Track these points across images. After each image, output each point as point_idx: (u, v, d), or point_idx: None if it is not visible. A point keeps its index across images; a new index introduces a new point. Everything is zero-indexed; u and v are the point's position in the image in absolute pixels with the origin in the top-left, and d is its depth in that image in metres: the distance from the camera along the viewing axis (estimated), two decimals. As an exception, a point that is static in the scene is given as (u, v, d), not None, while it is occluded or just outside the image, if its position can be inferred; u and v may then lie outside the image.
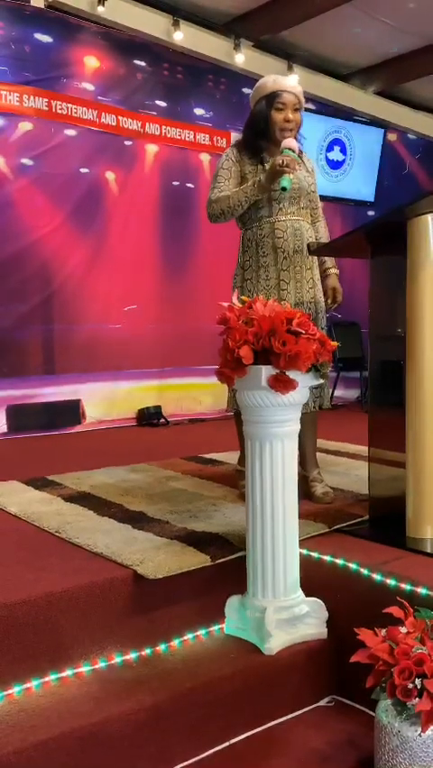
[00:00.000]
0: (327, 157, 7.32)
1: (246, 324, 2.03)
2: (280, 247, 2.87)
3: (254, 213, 2.90)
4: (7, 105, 5.21)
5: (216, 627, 2.21)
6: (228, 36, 6.28)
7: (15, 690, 1.84)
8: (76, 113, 5.56)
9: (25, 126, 5.37)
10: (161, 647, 2.09)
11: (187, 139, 6.25)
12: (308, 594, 2.19)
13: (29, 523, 2.63)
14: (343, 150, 7.42)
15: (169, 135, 6.14)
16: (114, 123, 5.80)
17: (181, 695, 1.87)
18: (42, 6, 5.39)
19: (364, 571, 2.17)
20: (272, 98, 2.86)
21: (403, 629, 1.78)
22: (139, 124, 5.96)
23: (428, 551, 2.33)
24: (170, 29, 5.89)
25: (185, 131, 6.23)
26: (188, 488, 3.15)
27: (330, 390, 4.02)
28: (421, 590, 2.02)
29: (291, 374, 2.00)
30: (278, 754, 1.90)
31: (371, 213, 7.59)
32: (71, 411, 5.55)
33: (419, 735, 1.66)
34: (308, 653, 2.11)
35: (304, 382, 2.06)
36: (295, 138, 2.86)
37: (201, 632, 2.18)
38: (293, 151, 2.72)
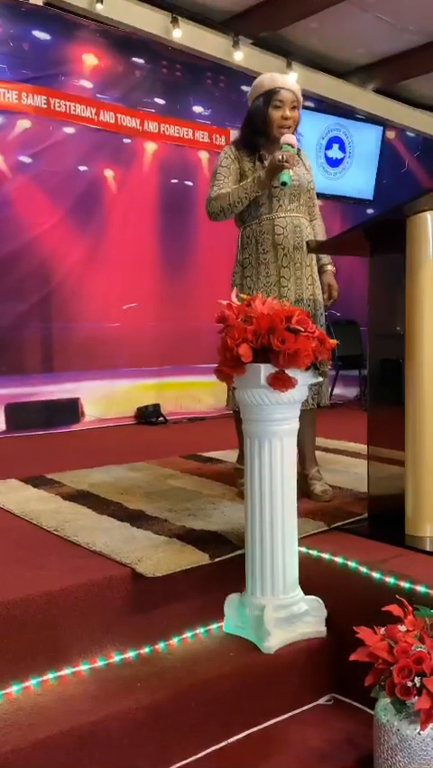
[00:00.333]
0: (325, 155, 7.31)
1: (245, 322, 2.02)
2: (280, 244, 2.87)
3: (254, 210, 2.90)
4: (6, 103, 5.20)
5: (214, 626, 2.21)
6: (227, 34, 6.27)
7: (14, 688, 1.84)
8: (74, 110, 5.55)
9: (24, 124, 5.36)
10: (160, 646, 2.09)
11: (185, 136, 6.25)
12: (306, 592, 2.19)
13: (27, 521, 2.63)
14: (342, 148, 7.41)
15: (167, 133, 6.13)
16: (112, 121, 5.80)
17: (180, 693, 1.87)
18: (41, 4, 5.38)
19: (363, 570, 2.17)
20: (270, 96, 2.85)
21: (402, 627, 1.77)
22: (138, 122, 5.95)
23: (427, 549, 2.33)
24: (169, 26, 5.88)
25: (184, 128, 6.23)
26: (187, 486, 3.15)
27: (329, 388, 4.01)
28: (420, 588, 2.02)
29: (290, 372, 2.00)
30: (277, 753, 1.90)
31: (370, 211, 7.58)
32: (70, 409, 5.55)
33: (418, 733, 1.66)
34: (308, 652, 2.11)
35: (303, 380, 2.06)
36: (293, 135, 2.86)
37: (200, 630, 2.18)
38: (292, 147, 2.71)
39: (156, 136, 6.08)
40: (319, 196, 3.09)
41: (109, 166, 5.88)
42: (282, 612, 2.10)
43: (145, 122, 6.00)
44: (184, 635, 2.14)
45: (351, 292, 5.60)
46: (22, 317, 5.43)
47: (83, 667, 1.96)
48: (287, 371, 1.99)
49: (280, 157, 2.66)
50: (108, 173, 5.89)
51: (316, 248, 2.89)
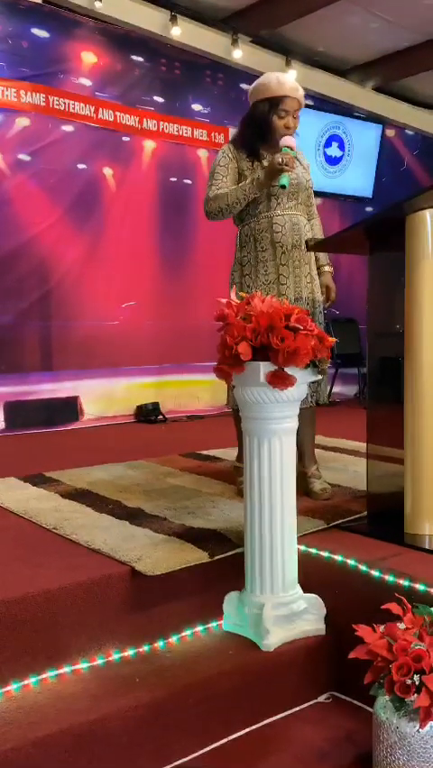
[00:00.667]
0: (325, 153, 7.30)
1: (244, 321, 2.02)
2: (279, 242, 2.86)
3: (252, 208, 2.90)
4: (4, 101, 5.19)
5: (214, 624, 2.21)
6: (226, 31, 6.25)
7: (13, 687, 1.84)
8: (73, 108, 5.54)
9: (23, 122, 5.35)
10: (159, 644, 2.09)
11: (184, 135, 6.24)
12: (306, 590, 2.19)
13: (27, 519, 2.63)
14: (341, 146, 7.41)
15: (166, 131, 6.12)
16: (111, 119, 5.79)
17: (179, 692, 1.87)
18: (40, 1, 5.37)
19: (363, 568, 2.17)
20: (276, 103, 2.83)
21: (401, 625, 1.78)
22: (136, 120, 5.95)
23: (427, 547, 2.33)
24: (168, 24, 5.86)
25: (183, 126, 6.22)
26: (186, 484, 3.15)
27: (328, 387, 4.03)
28: (419, 587, 2.02)
29: (290, 370, 2.00)
30: (276, 751, 1.90)
31: (369, 209, 7.58)
32: (69, 408, 5.55)
33: (418, 731, 1.66)
34: (307, 650, 2.11)
35: (302, 378, 2.06)
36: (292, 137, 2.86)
37: (199, 628, 2.18)
38: (292, 150, 2.72)
39: (155, 134, 6.07)
40: (318, 194, 3.10)
41: (108, 164, 5.87)
42: (282, 610, 2.10)
43: (144, 120, 5.99)
44: (183, 634, 2.14)
45: (350, 290, 5.61)
46: (21, 316, 5.43)
47: (82, 665, 1.96)
48: (286, 370, 1.99)
49: (280, 160, 2.66)
50: (107, 171, 5.88)
51: (314, 246, 2.89)
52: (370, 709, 1.80)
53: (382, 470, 2.60)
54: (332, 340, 2.11)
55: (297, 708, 2.08)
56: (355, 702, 2.09)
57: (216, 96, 6.52)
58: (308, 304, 2.90)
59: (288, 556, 2.13)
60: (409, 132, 8.15)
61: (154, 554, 2.18)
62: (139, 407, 5.82)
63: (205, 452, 3.92)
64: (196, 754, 1.86)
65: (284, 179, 2.67)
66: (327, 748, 1.89)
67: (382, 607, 1.85)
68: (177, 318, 6.03)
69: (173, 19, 5.86)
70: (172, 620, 2.15)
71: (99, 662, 1.99)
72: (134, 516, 2.60)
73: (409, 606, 1.83)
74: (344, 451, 3.87)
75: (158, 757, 1.81)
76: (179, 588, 2.18)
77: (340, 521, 2.59)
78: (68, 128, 5.60)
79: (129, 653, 2.03)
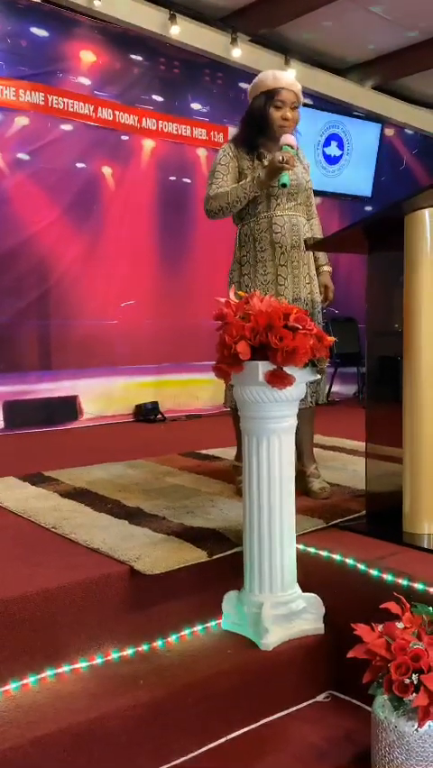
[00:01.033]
0: (324, 152, 7.30)
1: (243, 320, 2.02)
2: (278, 242, 2.86)
3: (252, 208, 2.90)
4: (3, 100, 5.19)
5: (213, 623, 2.21)
6: (225, 30, 6.25)
7: (12, 686, 1.84)
8: (72, 107, 5.54)
9: (22, 121, 5.35)
10: (158, 643, 2.09)
11: (184, 134, 6.24)
12: (304, 590, 2.19)
13: (25, 519, 2.63)
14: (340, 146, 7.40)
15: (165, 130, 6.12)
16: (110, 118, 5.79)
17: (178, 691, 1.87)
18: (38, 0, 5.36)
19: (361, 567, 2.17)
20: (272, 95, 2.85)
21: (400, 625, 1.78)
22: (135, 119, 5.94)
23: (425, 546, 2.33)
24: (167, 23, 5.86)
25: (182, 125, 6.21)
26: (185, 483, 3.15)
27: (327, 386, 4.03)
28: (418, 586, 2.02)
29: (288, 370, 2.00)
30: (275, 750, 1.90)
31: (368, 208, 7.58)
32: (68, 407, 5.55)
33: (416, 730, 1.66)
34: (306, 649, 2.11)
35: (301, 378, 2.06)
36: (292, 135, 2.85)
37: (198, 628, 2.18)
38: (292, 148, 2.72)
39: (154, 133, 6.07)
40: (318, 193, 3.10)
41: (107, 163, 5.87)
42: (280, 609, 2.11)
43: (143, 119, 5.99)
44: (182, 633, 2.14)
45: (349, 289, 5.61)
46: (20, 315, 5.42)
47: (81, 665, 1.96)
48: (285, 369, 1.99)
49: (281, 158, 2.66)
50: (106, 170, 5.88)
51: (313, 246, 2.89)
52: (369, 708, 1.80)
53: (380, 469, 2.60)
54: (331, 339, 2.11)
55: (296, 708, 2.08)
56: (354, 701, 2.09)
57: (215, 95, 6.52)
58: (306, 304, 2.90)
59: (287, 555, 2.13)
60: (409, 132, 8.15)
61: (153, 554, 2.18)
62: (138, 407, 5.82)
63: (204, 452, 3.92)
64: (195, 754, 1.86)
65: (284, 178, 2.67)
66: (326, 747, 1.89)
67: (381, 606, 1.85)
68: (176, 317, 6.03)
69: (172, 18, 5.86)
70: (171, 619, 2.15)
71: (98, 661, 1.99)
72: (133, 516, 2.60)
73: (408, 605, 1.84)
74: (343, 450, 3.87)
75: (157, 756, 1.81)
76: (178, 587, 2.18)
77: (339, 520, 2.59)
78: (67, 127, 5.59)
79: (128, 652, 2.03)
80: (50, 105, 5.41)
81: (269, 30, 6.37)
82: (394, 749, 1.68)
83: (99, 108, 5.71)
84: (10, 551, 2.29)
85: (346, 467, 3.43)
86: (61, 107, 5.48)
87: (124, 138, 5.95)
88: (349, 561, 2.22)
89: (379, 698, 1.74)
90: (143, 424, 5.67)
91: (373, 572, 2.13)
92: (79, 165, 5.71)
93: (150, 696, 1.82)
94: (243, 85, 6.27)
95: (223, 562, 2.26)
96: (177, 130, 6.19)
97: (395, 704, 1.68)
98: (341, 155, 7.44)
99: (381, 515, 2.57)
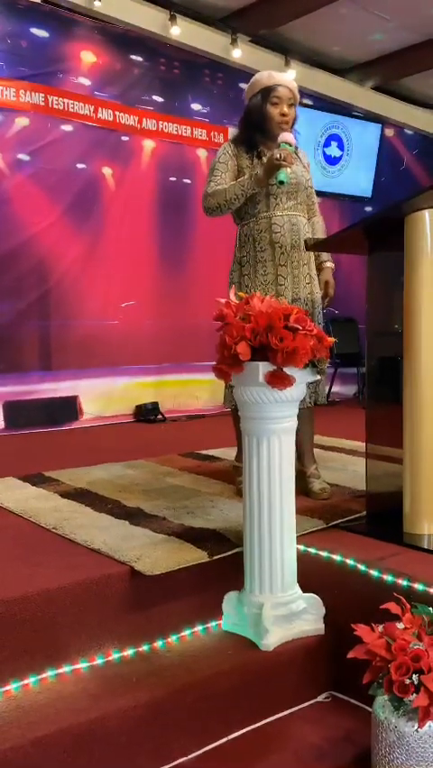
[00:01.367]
0: (324, 152, 7.30)
1: (243, 321, 2.02)
2: (278, 242, 2.86)
3: (252, 208, 2.90)
4: (4, 101, 5.19)
5: (213, 624, 2.21)
6: (225, 31, 6.26)
7: (13, 686, 1.84)
8: (72, 108, 5.54)
9: (22, 122, 5.35)
10: (159, 644, 2.09)
11: (184, 134, 6.24)
12: (305, 590, 2.19)
13: (26, 519, 2.63)
14: (340, 146, 7.41)
15: (166, 130, 6.13)
16: (110, 119, 5.79)
17: (179, 691, 1.87)
18: (39, 1, 5.37)
19: (362, 567, 2.17)
20: (268, 93, 2.86)
21: (400, 625, 1.78)
22: (136, 120, 5.95)
23: (426, 547, 2.33)
24: (167, 23, 5.86)
25: (182, 126, 6.22)
26: (185, 484, 3.15)
27: (327, 386, 4.03)
28: (418, 586, 2.02)
29: (288, 370, 2.00)
30: (275, 750, 1.90)
31: (368, 208, 7.58)
32: (68, 407, 5.55)
33: (416, 730, 1.66)
34: (306, 649, 2.11)
35: (301, 378, 2.06)
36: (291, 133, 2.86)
37: (198, 628, 2.18)
38: (290, 145, 2.71)
39: (154, 134, 6.08)
40: (318, 193, 3.09)
41: (107, 163, 5.87)
42: (281, 610, 2.11)
43: (143, 119, 5.99)
44: (183, 633, 2.15)
45: (349, 290, 5.60)
46: (20, 315, 5.43)
47: (82, 665, 1.96)
48: (285, 369, 1.99)
49: (279, 155, 2.66)
50: (106, 171, 5.89)
51: (313, 246, 2.89)
52: (369, 709, 1.80)
53: (381, 469, 2.60)
54: (331, 340, 2.11)
55: (296, 708, 2.08)
56: (354, 702, 2.09)
57: (215, 95, 6.52)
58: (306, 304, 2.90)
59: (287, 556, 2.13)
60: (409, 132, 8.15)
61: (153, 554, 2.18)
62: (138, 407, 5.82)
63: (204, 452, 3.93)
64: (195, 754, 1.87)
65: (282, 175, 2.67)
66: (326, 747, 1.90)
67: (381, 606, 1.85)
68: (176, 318, 6.03)
69: (172, 18, 5.86)
70: (172, 620, 2.15)
71: (99, 661, 1.99)
72: (134, 516, 2.60)
73: (408, 605, 1.84)
74: (343, 450, 3.87)
75: (157, 757, 1.81)
76: (179, 587, 2.18)
77: (339, 521, 2.59)
78: (67, 128, 5.60)
79: (128, 652, 2.03)
80: (50, 105, 5.41)
81: (269, 30, 6.38)
82: (394, 749, 1.69)
83: (99, 109, 5.72)
84: (10, 551, 2.29)
85: (346, 467, 3.43)
86: (61, 108, 5.48)
87: (125, 138, 5.96)
88: (349, 561, 2.22)
89: (379, 698, 1.74)
90: (144, 424, 5.67)
91: (374, 573, 2.13)
92: (80, 165, 5.72)
93: (150, 696, 1.82)
94: (243, 85, 6.18)
95: (223, 563, 2.26)
96: (177, 130, 6.19)
97: (395, 704, 1.69)
98: (341, 155, 7.44)
99: (381, 515, 2.57)
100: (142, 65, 6.06)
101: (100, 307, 5.80)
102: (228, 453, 3.58)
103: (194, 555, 2.22)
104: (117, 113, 5.83)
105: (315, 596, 2.18)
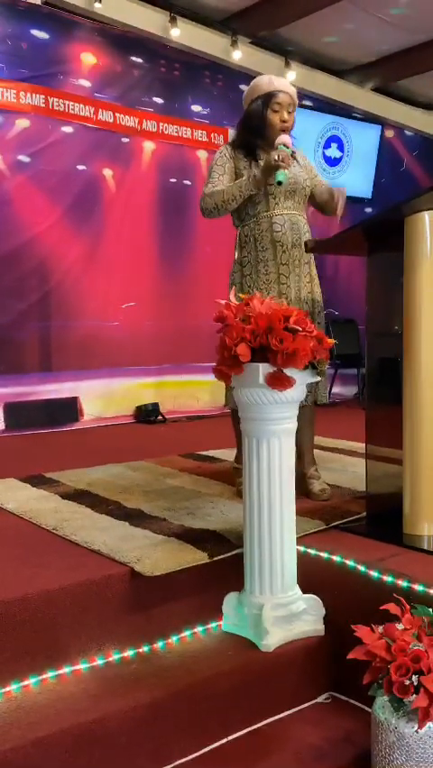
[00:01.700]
0: (324, 154, 7.31)
1: (244, 322, 2.03)
2: (279, 241, 2.87)
3: (251, 208, 2.91)
4: (4, 102, 5.20)
5: (213, 624, 2.22)
6: (226, 33, 6.26)
7: (13, 687, 1.84)
8: (73, 109, 5.55)
9: (22, 123, 5.36)
10: (159, 644, 2.09)
11: (184, 135, 6.25)
12: (305, 591, 2.19)
13: (26, 520, 2.63)
14: (340, 147, 7.41)
15: (166, 132, 6.13)
16: (111, 120, 5.79)
17: (179, 692, 1.87)
18: (39, 2, 5.38)
19: (361, 568, 2.17)
20: (269, 99, 2.87)
21: (400, 626, 1.78)
22: (136, 121, 5.95)
23: (425, 547, 2.33)
24: (168, 25, 5.87)
25: (182, 127, 6.22)
26: (185, 485, 3.15)
27: (328, 386, 4.02)
28: (418, 587, 2.02)
29: (289, 371, 2.00)
30: (275, 751, 1.90)
31: (368, 210, 7.58)
32: (69, 408, 5.55)
33: (416, 731, 1.66)
34: (306, 650, 2.12)
35: (301, 380, 2.06)
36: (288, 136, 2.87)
37: (199, 629, 2.18)
38: (287, 148, 2.73)
39: (154, 135, 6.08)
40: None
41: (108, 165, 5.88)
42: (281, 611, 2.11)
43: (144, 121, 6.00)
44: (183, 634, 2.15)
45: (349, 291, 5.62)
46: (20, 316, 5.43)
47: (82, 666, 1.96)
48: (285, 371, 2.00)
49: (276, 157, 2.68)
50: (107, 172, 5.89)
51: (314, 247, 2.89)
52: (369, 710, 1.81)
53: (381, 470, 2.60)
54: (331, 341, 2.11)
55: (296, 709, 2.08)
56: (354, 702, 2.09)
57: (215, 96, 6.52)
58: (307, 303, 2.91)
59: (287, 557, 2.14)
60: (409, 133, 8.16)
61: (154, 555, 2.18)
62: (138, 408, 5.83)
63: (204, 453, 3.93)
64: (195, 755, 1.87)
65: (280, 176, 2.69)
66: (326, 748, 1.90)
67: (381, 607, 1.85)
68: (176, 319, 6.04)
69: (172, 20, 5.87)
70: (172, 621, 2.15)
71: (99, 662, 1.99)
72: (134, 517, 2.61)
73: (408, 606, 1.84)
74: (343, 451, 3.87)
75: (157, 757, 1.81)
76: (179, 588, 2.19)
77: (339, 522, 2.59)
78: (67, 129, 5.60)
79: (129, 653, 2.03)
80: (50, 107, 5.42)
81: (269, 32, 6.39)
82: (394, 750, 1.69)
83: (100, 110, 5.72)
84: (11, 552, 2.29)
85: (346, 468, 3.43)
86: (62, 109, 5.49)
87: (125, 140, 5.96)
88: (349, 562, 2.22)
89: (379, 699, 1.74)
90: (144, 425, 5.68)
91: (374, 574, 2.13)
92: (80, 167, 5.72)
93: (150, 697, 1.83)
94: (243, 87, 6.18)
95: (223, 564, 2.27)
96: (177, 132, 6.20)
97: (395, 705, 1.69)
98: (341, 157, 7.44)
99: (381, 516, 2.57)
100: (143, 66, 6.06)
101: (100, 308, 5.80)
102: (228, 454, 3.59)
103: (194, 556, 2.22)
104: (117, 114, 5.84)
105: (315, 597, 2.19)
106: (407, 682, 1.66)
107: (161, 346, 6.01)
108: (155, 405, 5.84)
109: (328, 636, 2.15)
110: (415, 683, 1.66)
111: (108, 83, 5.83)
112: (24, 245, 5.40)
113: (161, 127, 6.09)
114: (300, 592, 2.18)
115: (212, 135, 6.38)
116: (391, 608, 1.83)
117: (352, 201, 7.43)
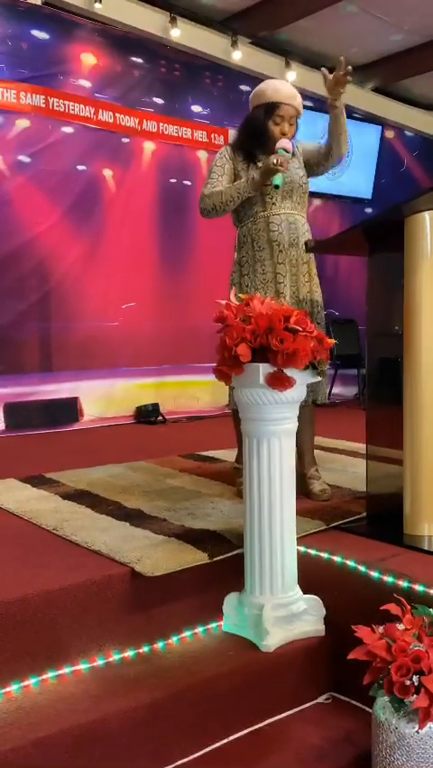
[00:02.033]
0: (324, 154, 7.30)
1: (244, 322, 2.03)
2: (276, 240, 2.87)
3: (249, 209, 2.91)
4: (4, 103, 5.20)
5: (213, 625, 2.21)
6: (226, 33, 6.27)
7: (14, 687, 1.84)
8: (73, 110, 5.55)
9: (22, 123, 5.36)
10: (159, 645, 2.09)
11: (184, 136, 6.25)
12: (305, 591, 2.19)
13: (26, 520, 2.63)
14: (340, 148, 7.40)
15: (166, 132, 6.14)
16: (111, 121, 5.80)
17: (179, 692, 1.87)
18: (39, 3, 5.38)
19: (362, 569, 2.17)
20: (272, 109, 2.86)
21: (401, 626, 1.78)
22: (136, 121, 5.96)
23: (426, 548, 2.33)
24: (168, 26, 5.88)
25: (182, 128, 6.23)
26: (185, 485, 3.15)
27: (328, 386, 4.03)
28: (418, 587, 2.02)
29: (289, 372, 2.00)
30: (276, 751, 1.90)
31: (368, 210, 7.59)
32: (69, 409, 5.55)
33: (417, 731, 1.66)
34: (306, 651, 2.12)
35: (301, 380, 2.06)
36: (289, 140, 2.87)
37: (199, 629, 2.18)
38: (287, 152, 2.74)
39: (155, 135, 6.08)
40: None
41: (108, 165, 5.88)
42: (281, 611, 2.11)
43: (144, 121, 6.00)
44: (183, 635, 2.15)
45: (349, 291, 5.62)
46: (21, 316, 5.43)
47: (82, 666, 1.96)
48: (285, 371, 2.00)
49: (275, 160, 2.69)
50: (107, 172, 5.89)
51: (313, 247, 2.89)
52: (369, 710, 1.81)
53: (381, 471, 2.60)
54: (331, 341, 2.11)
55: (296, 709, 2.08)
56: (355, 703, 2.09)
57: (215, 97, 6.53)
58: (306, 303, 2.90)
59: (287, 557, 2.14)
60: (409, 134, 8.16)
61: (154, 555, 2.18)
62: (138, 408, 5.83)
63: (204, 453, 3.93)
64: (195, 755, 1.87)
65: (278, 179, 2.71)
66: (327, 748, 1.90)
67: (382, 607, 1.85)
68: (176, 319, 6.04)
69: (173, 20, 5.88)
70: (172, 621, 2.15)
71: (99, 662, 1.99)
72: (134, 517, 2.61)
73: (409, 606, 1.84)
74: (343, 452, 3.87)
75: (157, 758, 1.81)
76: (179, 589, 2.19)
77: (339, 522, 2.59)
78: (67, 129, 5.61)
79: (129, 653, 2.03)
80: (50, 107, 5.42)
81: (269, 32, 6.39)
82: (395, 751, 1.69)
83: (100, 110, 5.73)
84: (11, 552, 2.29)
85: (347, 469, 3.43)
86: (62, 110, 5.49)
87: (125, 140, 5.97)
88: (350, 562, 2.22)
89: (379, 699, 1.74)
90: (144, 425, 5.68)
91: (374, 574, 2.13)
92: (80, 167, 5.73)
93: (151, 697, 1.83)
94: (243, 87, 6.29)
95: (223, 564, 2.27)
96: (177, 132, 6.20)
97: (396, 705, 1.69)
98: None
99: (381, 516, 2.57)
100: (143, 67, 6.07)
101: (100, 309, 5.80)
102: (228, 455, 3.59)
103: (194, 556, 2.22)
104: (118, 114, 5.84)
105: (315, 597, 2.19)
106: (407, 683, 1.66)
107: (161, 346, 6.01)
108: (155, 405, 5.84)
109: (329, 637, 2.15)
110: (416, 684, 1.66)
111: (108, 83, 5.83)
112: (24, 245, 5.40)
113: (161, 127, 6.10)
114: (301, 592, 2.18)
115: (212, 136, 6.38)
116: (392, 608, 1.83)
117: (352, 201, 7.51)
